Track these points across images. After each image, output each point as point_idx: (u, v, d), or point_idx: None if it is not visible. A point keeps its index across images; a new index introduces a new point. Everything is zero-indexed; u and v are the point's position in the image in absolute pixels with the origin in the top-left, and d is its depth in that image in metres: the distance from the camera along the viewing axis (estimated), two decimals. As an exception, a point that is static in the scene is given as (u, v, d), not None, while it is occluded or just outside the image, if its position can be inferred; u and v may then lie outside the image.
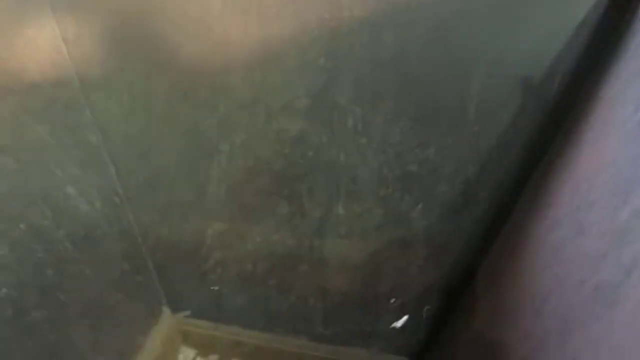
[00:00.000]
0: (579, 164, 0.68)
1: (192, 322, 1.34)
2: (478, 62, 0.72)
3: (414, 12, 0.71)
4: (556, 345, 0.60)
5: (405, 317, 1.11)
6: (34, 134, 0.90)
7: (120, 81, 0.93)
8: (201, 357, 1.41)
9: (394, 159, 0.88)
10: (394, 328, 1.13)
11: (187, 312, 1.33)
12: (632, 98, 0.57)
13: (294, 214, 1.03)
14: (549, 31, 0.67)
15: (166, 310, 1.33)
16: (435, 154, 0.86)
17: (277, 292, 1.17)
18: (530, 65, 0.71)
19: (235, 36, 0.80)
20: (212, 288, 1.23)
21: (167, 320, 1.33)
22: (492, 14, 0.68)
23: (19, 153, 0.88)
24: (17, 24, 0.84)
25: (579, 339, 0.56)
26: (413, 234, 0.98)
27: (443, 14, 0.70)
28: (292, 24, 0.76)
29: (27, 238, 0.92)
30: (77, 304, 1.02)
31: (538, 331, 0.65)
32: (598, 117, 0.64)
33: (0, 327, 0.86)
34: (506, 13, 0.67)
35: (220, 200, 1.06)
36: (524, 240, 0.80)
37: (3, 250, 0.87)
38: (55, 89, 0.93)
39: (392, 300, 1.09)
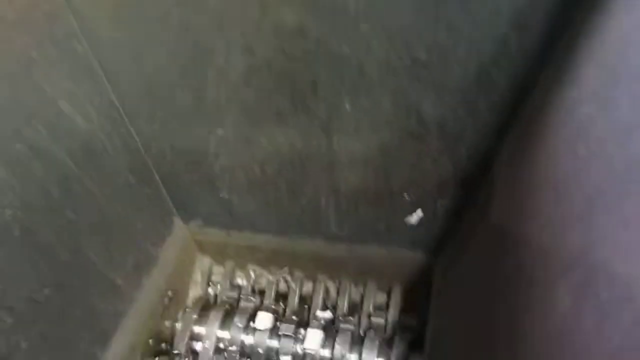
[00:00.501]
0: (604, 37, 0.62)
1: (205, 231, 1.33)
2: None
3: None
4: (580, 230, 0.57)
5: (419, 213, 1.08)
6: (15, 49, 0.84)
7: (101, -19, 0.86)
8: (217, 264, 1.43)
9: (400, 46, 0.82)
10: (409, 224, 1.11)
11: (199, 222, 1.32)
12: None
13: (299, 113, 0.98)
14: None
15: (178, 222, 1.32)
16: (445, 38, 0.78)
17: (288, 195, 1.15)
18: None
19: None
20: (221, 196, 1.21)
21: (180, 231, 1.33)
22: None
23: (3, 70, 0.83)
24: None
25: (606, 219, 0.52)
26: (425, 126, 0.93)
27: None
28: None
29: (26, 158, 0.89)
30: (86, 220, 1.01)
31: (559, 217, 0.62)
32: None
33: (10, 248, 0.85)
34: None
35: (220, 105, 1.01)
36: (545, 124, 0.75)
37: (3, 170, 0.85)
38: (33, -4, 0.85)
39: (406, 196, 1.06)
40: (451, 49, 0.79)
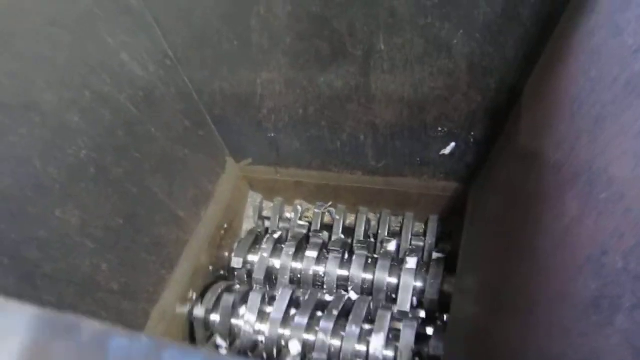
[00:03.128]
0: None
1: (255, 169, 1.44)
2: None
3: None
4: (588, 143, 0.63)
5: (452, 144, 1.15)
6: (80, 6, 0.94)
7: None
8: (267, 200, 1.54)
9: (430, -14, 0.87)
10: (443, 155, 1.18)
11: (249, 160, 1.43)
12: None
13: (337, 55, 1.05)
14: None
15: (230, 161, 1.44)
16: (473, -25, 0.84)
17: (329, 132, 1.24)
18: None
19: None
20: (268, 135, 1.31)
21: (233, 170, 1.44)
22: None
23: (71, 25, 0.94)
24: None
25: (609, 131, 0.59)
26: (455, 62, 0.99)
27: None
28: None
29: (94, 104, 1.00)
30: (150, 160, 1.13)
31: (572, 134, 0.68)
32: None
33: (87, 183, 0.98)
34: None
35: (264, 50, 1.09)
36: (567, 51, 0.80)
37: (76, 116, 0.96)
38: (90, -46, 0.95)
39: (439, 129, 1.13)
40: (478, -14, 0.85)
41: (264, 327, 1.25)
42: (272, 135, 1.30)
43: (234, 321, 1.28)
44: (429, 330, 1.16)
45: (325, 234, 1.43)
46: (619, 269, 0.48)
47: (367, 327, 1.20)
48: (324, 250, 1.36)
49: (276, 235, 1.40)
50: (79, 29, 0.95)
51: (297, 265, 1.34)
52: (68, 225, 0.95)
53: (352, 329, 1.17)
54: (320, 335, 1.17)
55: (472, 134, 1.11)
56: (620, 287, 0.47)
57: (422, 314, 1.23)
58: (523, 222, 0.78)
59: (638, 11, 0.62)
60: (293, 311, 1.27)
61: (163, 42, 1.15)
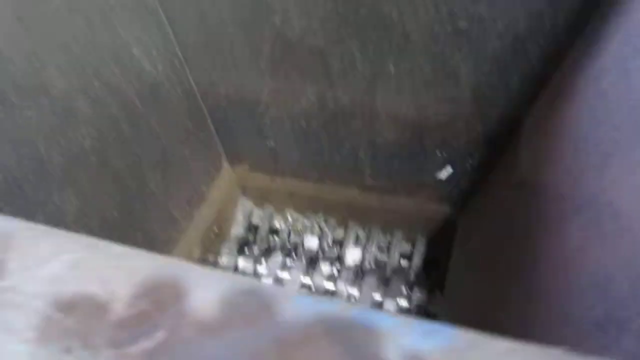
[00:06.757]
0: (631, 15, 0.71)
1: (250, 176, 1.45)
2: None
3: None
4: (594, 177, 0.67)
5: (449, 169, 1.18)
6: (97, -6, 0.95)
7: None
8: (257, 207, 1.55)
9: (445, 16, 0.91)
10: (439, 179, 1.21)
11: (245, 167, 1.44)
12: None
13: (347, 72, 1.08)
14: None
15: (226, 165, 1.44)
16: (486, 10, 0.88)
17: (329, 146, 1.26)
18: None
19: None
20: (268, 144, 1.32)
21: (227, 174, 1.45)
22: None
23: (87, 13, 0.94)
24: None
25: (616, 167, 0.62)
26: (461, 90, 1.03)
27: None
28: None
29: (103, 94, 1.00)
30: (150, 156, 1.13)
31: (576, 167, 0.72)
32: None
33: (88, 173, 0.98)
34: None
35: (275, 60, 1.11)
36: (572, 90, 0.84)
37: (84, 104, 0.96)
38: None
39: (438, 153, 1.16)
40: (491, 20, 0.89)
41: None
42: (272, 144, 1.32)
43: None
44: None
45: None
46: (626, 294, 0.51)
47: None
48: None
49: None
50: (94, 17, 0.96)
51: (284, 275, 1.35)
52: (65, 213, 0.94)
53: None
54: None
55: (470, 161, 1.15)
56: (627, 311, 0.49)
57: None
58: (520, 248, 0.81)
59: (648, 59, 0.66)
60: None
61: (174, 42, 1.16)
